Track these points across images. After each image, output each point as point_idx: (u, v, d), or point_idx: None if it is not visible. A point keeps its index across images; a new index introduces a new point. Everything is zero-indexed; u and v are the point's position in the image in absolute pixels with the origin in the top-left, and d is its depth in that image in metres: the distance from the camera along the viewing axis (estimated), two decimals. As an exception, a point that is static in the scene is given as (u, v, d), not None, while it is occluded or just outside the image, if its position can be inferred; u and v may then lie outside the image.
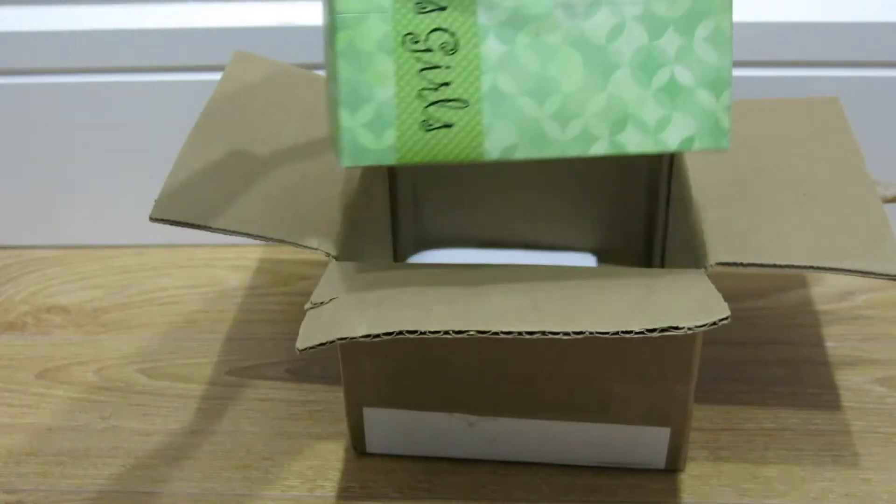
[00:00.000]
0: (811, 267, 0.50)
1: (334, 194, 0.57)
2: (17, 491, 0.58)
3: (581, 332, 0.45)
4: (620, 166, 0.67)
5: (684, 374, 0.53)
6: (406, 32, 0.47)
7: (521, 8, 0.47)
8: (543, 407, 0.55)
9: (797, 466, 0.57)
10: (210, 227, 0.52)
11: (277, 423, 0.62)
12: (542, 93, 0.48)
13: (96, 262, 0.77)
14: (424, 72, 0.47)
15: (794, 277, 0.72)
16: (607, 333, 0.45)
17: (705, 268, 0.50)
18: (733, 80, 0.72)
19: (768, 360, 0.65)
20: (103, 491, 0.58)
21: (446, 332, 0.45)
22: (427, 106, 0.47)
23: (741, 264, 0.50)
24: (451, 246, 0.72)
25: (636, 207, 0.69)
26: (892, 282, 0.71)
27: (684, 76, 0.48)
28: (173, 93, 0.73)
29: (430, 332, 0.45)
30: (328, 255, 0.53)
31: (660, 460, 0.56)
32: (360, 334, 0.45)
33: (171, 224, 0.52)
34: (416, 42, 0.47)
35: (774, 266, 0.50)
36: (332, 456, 0.59)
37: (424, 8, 0.46)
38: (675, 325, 0.45)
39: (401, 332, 0.45)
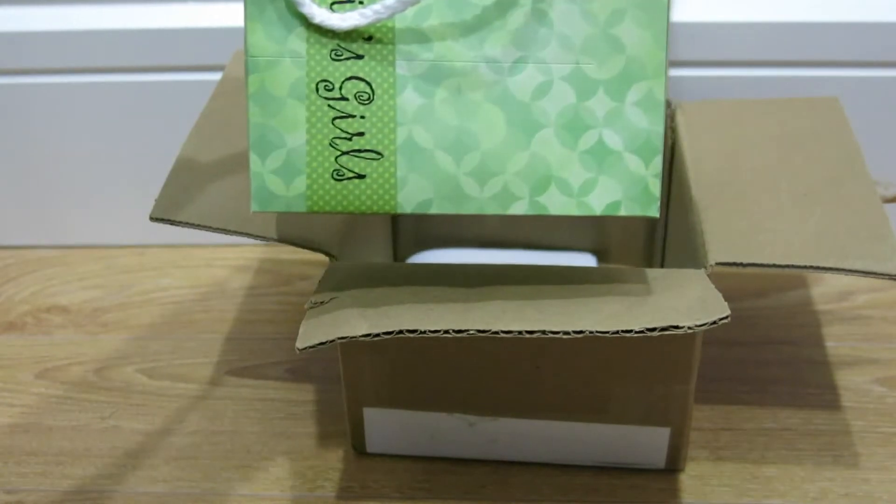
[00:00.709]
0: (811, 267, 0.50)
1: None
2: (17, 491, 0.58)
3: (581, 332, 0.45)
4: None
5: (684, 374, 0.53)
6: (320, 79, 0.45)
7: (442, 61, 0.45)
8: (543, 407, 0.55)
9: (797, 466, 0.57)
10: (210, 227, 0.52)
11: (277, 423, 0.62)
12: (461, 148, 0.46)
13: (96, 262, 0.77)
14: (338, 120, 0.46)
15: (794, 277, 0.72)
16: (607, 333, 0.45)
17: (705, 268, 0.50)
18: (734, 80, 0.72)
19: (768, 360, 0.65)
20: (103, 491, 0.58)
21: (446, 332, 0.45)
22: (339, 156, 0.46)
23: (741, 264, 0.50)
24: (451, 246, 0.72)
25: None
26: (892, 282, 0.71)
27: (613, 140, 0.46)
28: (173, 93, 0.73)
29: (431, 331, 0.45)
30: (328, 255, 0.53)
31: (660, 460, 0.56)
32: (361, 333, 0.45)
33: (171, 224, 0.52)
34: (331, 90, 0.46)
35: (774, 266, 0.50)
36: (332, 456, 0.59)
37: (340, 55, 0.45)
38: (674, 324, 0.45)
39: (401, 332, 0.45)
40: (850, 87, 0.70)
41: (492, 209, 0.47)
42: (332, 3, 0.45)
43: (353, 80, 0.45)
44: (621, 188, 0.47)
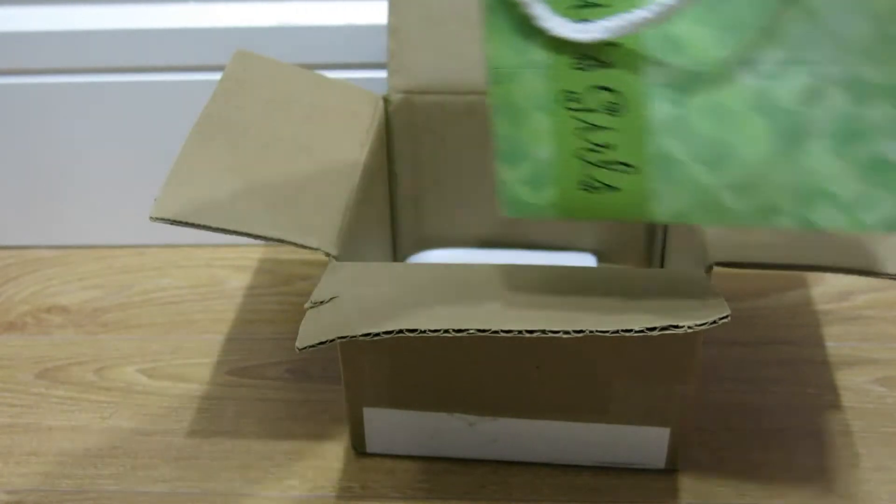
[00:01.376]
0: (811, 266, 0.50)
1: (334, 194, 0.57)
2: (17, 491, 0.58)
3: (581, 331, 0.45)
4: None
5: (684, 374, 0.53)
6: (564, 90, 0.43)
7: (695, 67, 0.41)
8: (543, 407, 0.55)
9: (797, 467, 0.57)
10: (210, 227, 0.52)
11: (277, 423, 0.62)
12: (718, 160, 0.42)
13: (96, 262, 0.77)
14: (585, 132, 0.43)
15: (794, 277, 0.72)
16: (607, 332, 0.45)
17: (705, 268, 0.50)
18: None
19: (768, 360, 0.65)
20: (103, 491, 0.58)
21: (446, 331, 0.45)
22: (588, 168, 0.44)
23: (741, 264, 0.50)
24: (451, 246, 0.72)
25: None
26: (892, 282, 0.71)
27: (894, 151, 0.41)
28: (173, 93, 0.73)
29: (431, 330, 0.45)
30: (328, 255, 0.53)
31: (660, 460, 0.56)
32: (361, 333, 0.45)
33: (171, 224, 0.52)
34: (576, 100, 0.43)
35: (775, 265, 0.50)
36: (332, 456, 0.59)
37: (584, 64, 0.42)
38: (675, 323, 0.45)
39: (401, 331, 0.45)
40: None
41: (753, 222, 0.44)
42: (574, 7, 0.42)
43: (600, 90, 0.43)
44: None
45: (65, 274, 0.76)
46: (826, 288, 0.71)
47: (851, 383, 0.63)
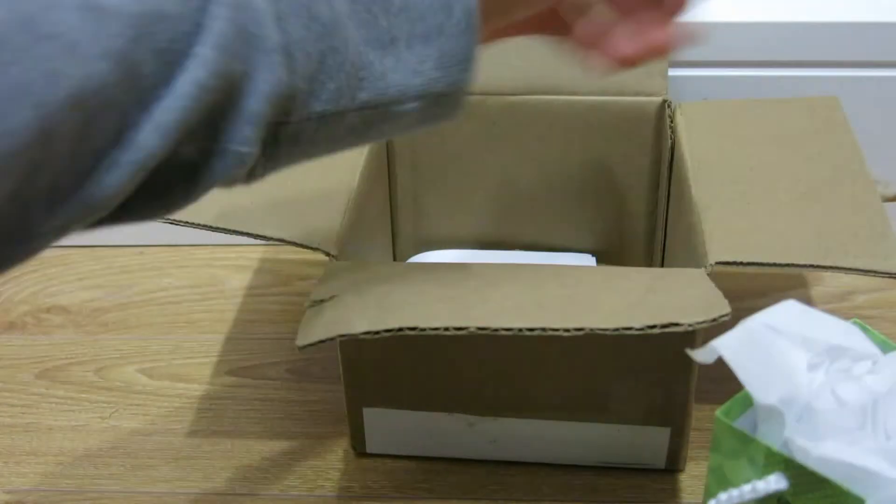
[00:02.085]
0: (811, 266, 0.50)
1: (334, 194, 0.57)
2: (17, 491, 0.58)
3: (581, 329, 0.45)
4: (621, 167, 0.67)
5: (684, 374, 0.53)
6: None
7: None
8: (543, 407, 0.55)
9: (797, 466, 0.57)
10: (210, 227, 0.52)
11: (277, 423, 0.62)
12: None
13: (96, 262, 0.77)
14: None
15: (794, 277, 0.72)
16: (607, 330, 0.45)
17: (705, 267, 0.50)
18: (734, 80, 0.72)
19: (768, 360, 0.65)
20: (103, 491, 0.58)
21: (446, 329, 0.45)
22: None
23: (741, 263, 0.50)
24: (451, 246, 0.72)
25: (636, 207, 0.69)
26: (892, 281, 0.71)
27: None
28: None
29: (431, 328, 0.45)
30: (328, 255, 0.53)
31: (660, 460, 0.56)
32: (361, 331, 0.45)
33: (172, 223, 0.52)
34: None
35: (775, 265, 0.50)
36: (332, 456, 0.59)
37: None
38: (675, 321, 0.44)
39: (401, 329, 0.45)
40: (850, 87, 0.70)
41: None
42: None
43: None
44: None
45: (65, 274, 0.76)
46: (826, 288, 0.71)
47: (851, 383, 0.63)
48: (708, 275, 0.50)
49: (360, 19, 0.37)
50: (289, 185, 0.56)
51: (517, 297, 0.48)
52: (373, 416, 0.57)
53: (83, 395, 0.65)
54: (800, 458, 0.38)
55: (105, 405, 0.64)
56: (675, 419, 0.54)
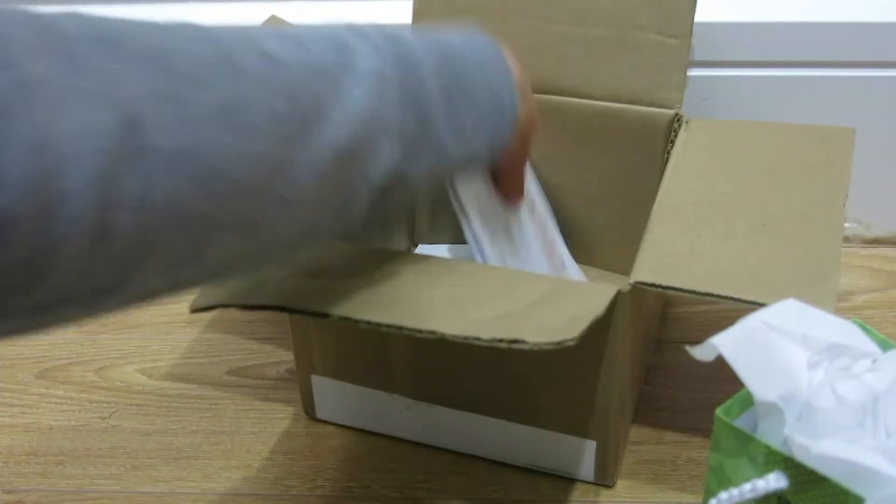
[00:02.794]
0: (730, 298, 0.47)
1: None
2: (17, 491, 0.58)
3: (433, 333, 0.43)
4: (629, 176, 0.65)
5: (606, 390, 0.52)
6: None
7: None
8: (475, 401, 0.56)
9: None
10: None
11: (277, 423, 0.62)
12: None
13: (96, 262, 0.77)
14: None
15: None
16: (457, 337, 0.43)
17: (628, 285, 0.49)
18: (734, 80, 0.72)
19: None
20: (103, 491, 0.58)
21: (313, 314, 0.45)
22: None
23: (659, 286, 0.48)
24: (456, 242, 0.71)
25: (641, 218, 0.67)
26: (892, 281, 0.71)
27: None
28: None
29: (296, 310, 0.45)
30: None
31: (588, 473, 0.56)
32: (239, 303, 0.45)
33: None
34: None
35: (693, 292, 0.47)
36: (332, 456, 0.59)
37: None
38: (521, 338, 0.42)
39: (272, 308, 0.45)
40: (851, 87, 0.70)
41: None
42: None
43: None
44: None
45: (65, 274, 0.76)
46: (826, 288, 0.71)
47: (852, 383, 0.63)
48: (626, 292, 0.48)
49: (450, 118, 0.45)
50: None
51: (403, 290, 0.47)
52: (320, 385, 0.59)
53: (83, 395, 0.65)
54: (800, 456, 0.38)
55: (105, 405, 0.64)
56: (599, 433, 0.54)
